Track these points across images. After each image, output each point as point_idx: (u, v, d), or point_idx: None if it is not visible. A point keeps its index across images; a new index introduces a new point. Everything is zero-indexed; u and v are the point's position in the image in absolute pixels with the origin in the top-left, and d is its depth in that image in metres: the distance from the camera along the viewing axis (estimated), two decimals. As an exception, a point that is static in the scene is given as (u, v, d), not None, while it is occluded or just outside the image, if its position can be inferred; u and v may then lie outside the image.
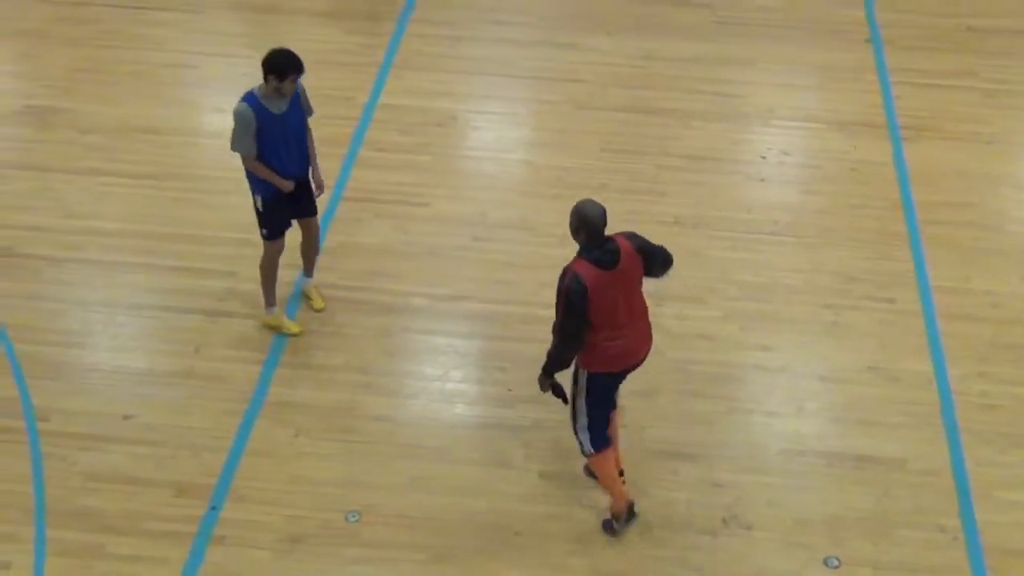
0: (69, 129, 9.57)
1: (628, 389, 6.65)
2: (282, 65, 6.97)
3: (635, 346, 6.22)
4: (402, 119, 9.79)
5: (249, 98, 7.10)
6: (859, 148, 9.64)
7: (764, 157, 9.55)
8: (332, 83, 10.04)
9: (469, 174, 9.43)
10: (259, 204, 7.42)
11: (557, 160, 9.45)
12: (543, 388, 6.31)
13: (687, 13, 11.23)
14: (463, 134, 9.84)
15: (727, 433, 7.22)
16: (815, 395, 7.48)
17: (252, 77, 10.11)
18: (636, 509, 6.68)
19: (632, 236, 6.13)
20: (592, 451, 6.45)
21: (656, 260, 6.19)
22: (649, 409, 7.32)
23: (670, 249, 6.29)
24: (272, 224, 7.50)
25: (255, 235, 7.60)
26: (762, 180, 9.34)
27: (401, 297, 8.12)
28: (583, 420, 6.37)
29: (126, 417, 7.19)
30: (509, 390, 7.42)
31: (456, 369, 7.63)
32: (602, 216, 5.93)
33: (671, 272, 6.34)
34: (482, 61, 10.57)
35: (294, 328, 7.84)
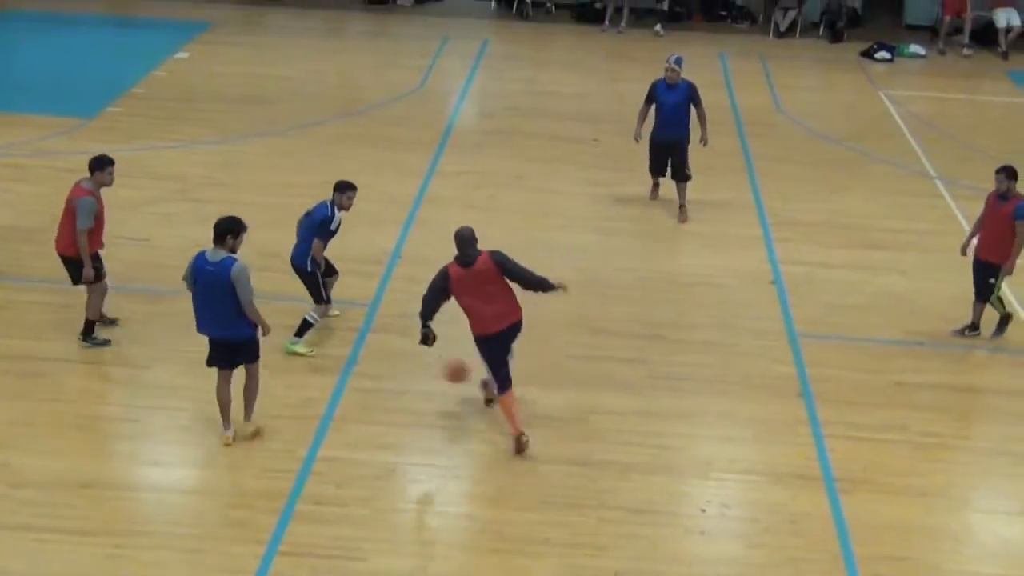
0: (4, 484, 9.45)
1: None
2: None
3: (491, 321, 9.97)
4: (341, 472, 9.80)
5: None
6: (797, 500, 9.72)
7: (704, 510, 9.58)
8: (271, 436, 10.11)
9: (408, 528, 9.35)
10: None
11: (497, 514, 9.42)
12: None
13: (625, 368, 11.54)
14: (403, 487, 9.84)
15: None
16: None
17: (192, 431, 10.26)
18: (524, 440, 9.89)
19: (494, 253, 10.00)
20: (498, 392, 10.14)
21: (514, 274, 10.01)
22: None
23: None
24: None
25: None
26: (702, 533, 9.33)
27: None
28: (487, 369, 10.21)
29: None
30: None
31: None
32: (470, 233, 9.97)
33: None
34: (423, 414, 10.70)
35: None
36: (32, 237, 13.13)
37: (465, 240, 9.96)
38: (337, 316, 11.96)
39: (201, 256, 9.74)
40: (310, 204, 11.51)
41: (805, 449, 10.42)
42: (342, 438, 10.25)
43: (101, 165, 11.17)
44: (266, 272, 11.90)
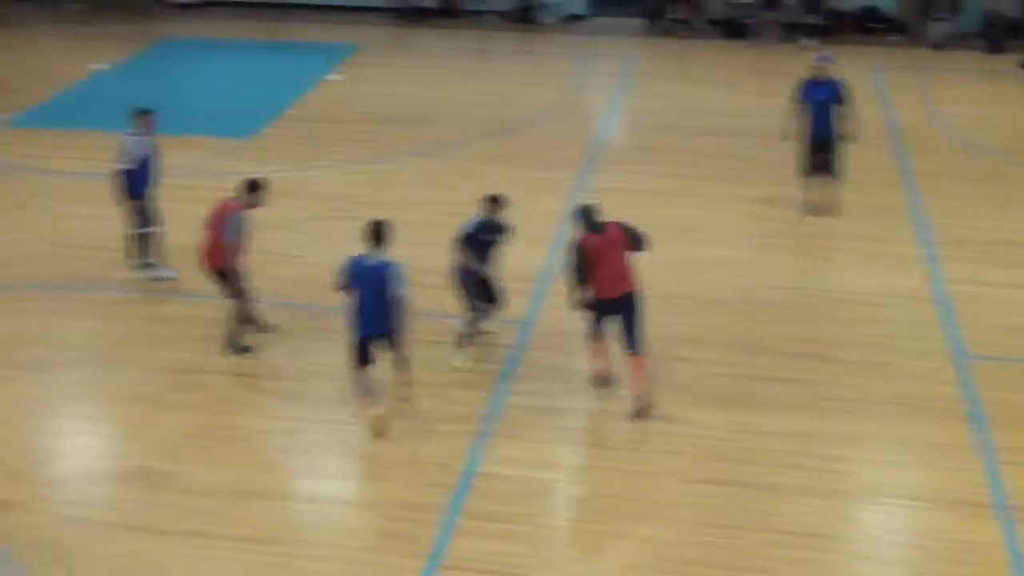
0: (175, 492, 9.72)
1: None
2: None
3: (612, 285, 10.60)
4: (500, 488, 9.82)
5: None
6: (967, 528, 9.39)
7: (870, 535, 9.34)
8: (431, 450, 10.21)
9: (567, 545, 9.32)
10: None
11: (657, 533, 9.33)
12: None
13: (783, 388, 11.33)
14: (561, 505, 9.81)
15: None
16: None
17: (353, 443, 10.41)
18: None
19: (620, 222, 10.74)
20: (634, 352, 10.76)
21: (637, 237, 10.72)
22: None
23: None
24: None
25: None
26: (871, 559, 9.09)
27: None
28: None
29: None
30: None
31: None
32: (594, 206, 10.78)
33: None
34: (580, 432, 10.67)
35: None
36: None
37: (592, 210, 10.74)
38: (493, 333, 11.99)
39: (358, 259, 10.24)
40: (460, 221, 11.60)
41: (974, 475, 10.06)
42: (500, 454, 10.27)
43: (255, 187, 11.45)
44: (419, 288, 11.99)
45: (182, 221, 13.11)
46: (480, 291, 11.55)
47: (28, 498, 9.60)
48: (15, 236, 14.41)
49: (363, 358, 10.40)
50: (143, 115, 12.92)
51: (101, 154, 16.75)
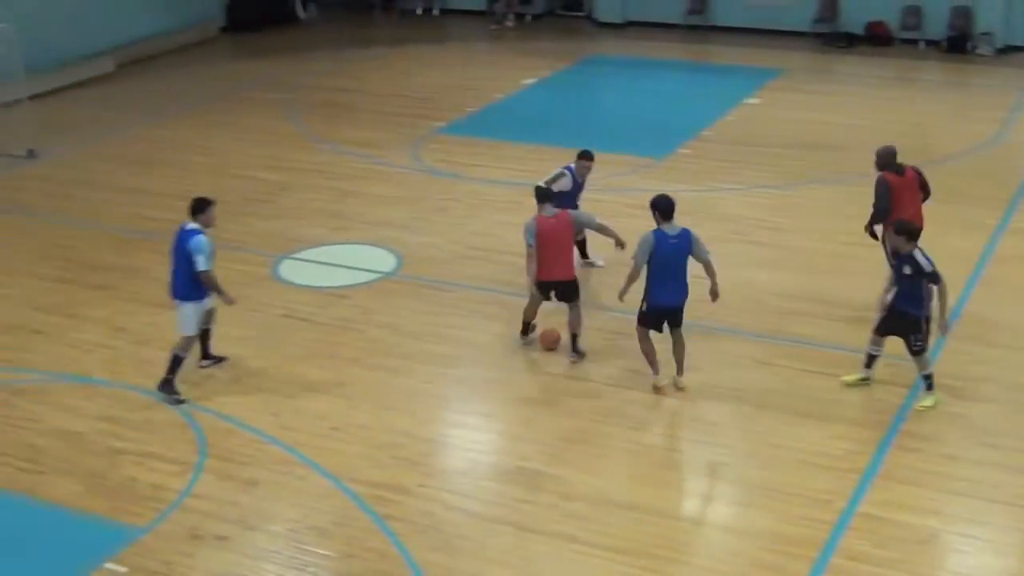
0: (553, 494, 10.05)
1: None
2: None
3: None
4: (879, 530, 9.44)
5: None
6: None
7: None
8: (811, 484, 9.98)
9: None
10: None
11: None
12: None
13: None
14: (943, 555, 9.31)
15: None
16: None
17: (732, 468, 10.37)
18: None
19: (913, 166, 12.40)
20: None
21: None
22: None
23: None
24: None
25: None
26: None
27: None
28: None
29: None
30: None
31: None
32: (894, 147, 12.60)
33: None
34: (974, 483, 10.06)
35: None
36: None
37: (892, 152, 12.45)
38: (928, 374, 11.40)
39: (659, 233, 11.01)
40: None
41: None
42: (883, 496, 9.87)
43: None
44: (803, 316, 11.81)
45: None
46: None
47: (418, 485, 10.23)
48: (433, 237, 15.39)
49: (651, 322, 11.28)
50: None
51: (519, 164, 17.74)
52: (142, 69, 24.48)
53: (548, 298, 12.03)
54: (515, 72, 23.57)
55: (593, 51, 25.56)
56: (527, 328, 12.42)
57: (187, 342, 11.42)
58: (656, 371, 11.40)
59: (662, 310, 11.21)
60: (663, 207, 11.07)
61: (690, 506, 10.05)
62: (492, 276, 14.12)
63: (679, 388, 11.38)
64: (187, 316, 11.34)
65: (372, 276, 14.28)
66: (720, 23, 26.49)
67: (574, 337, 12.09)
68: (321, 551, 9.40)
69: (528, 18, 27.96)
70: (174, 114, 21.27)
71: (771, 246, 14.68)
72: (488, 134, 19.68)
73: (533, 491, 10.09)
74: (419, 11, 29.07)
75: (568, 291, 11.98)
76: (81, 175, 18.27)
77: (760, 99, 21.52)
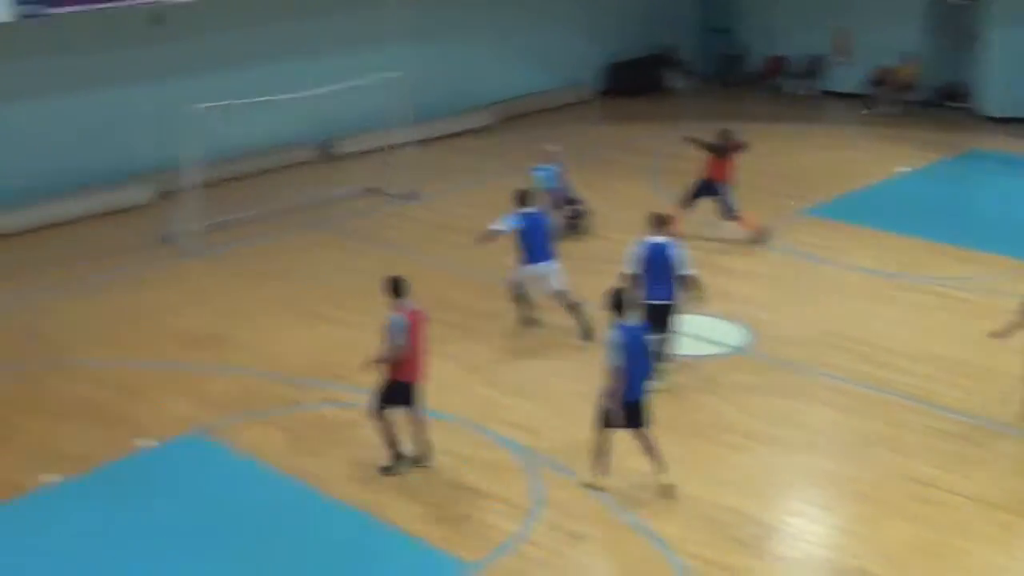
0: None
1: None
2: None
3: None
4: None
5: None
6: None
7: None
8: None
9: None
10: None
11: None
12: None
13: None
14: None
15: None
16: None
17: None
18: None
19: None
20: None
21: None
22: None
23: None
24: None
25: None
26: None
27: None
28: None
29: None
30: None
31: None
32: None
33: None
34: None
35: None
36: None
37: None
38: None
39: None
40: None
41: None
42: None
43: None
44: None
45: (952, 331, 12.91)
46: None
47: (745, 567, 10.05)
48: (789, 319, 15.07)
49: None
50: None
51: (885, 253, 17.15)
52: (517, 124, 25.61)
53: None
54: (889, 159, 22.85)
55: (974, 144, 24.38)
56: None
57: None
58: None
59: None
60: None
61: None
62: (844, 364, 13.70)
63: None
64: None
65: (723, 350, 14.19)
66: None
67: None
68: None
69: (905, 106, 27.03)
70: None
71: None
72: (854, 219, 19.13)
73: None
74: (801, 92, 28.63)
75: None
76: (445, 219, 19.34)
77: None
